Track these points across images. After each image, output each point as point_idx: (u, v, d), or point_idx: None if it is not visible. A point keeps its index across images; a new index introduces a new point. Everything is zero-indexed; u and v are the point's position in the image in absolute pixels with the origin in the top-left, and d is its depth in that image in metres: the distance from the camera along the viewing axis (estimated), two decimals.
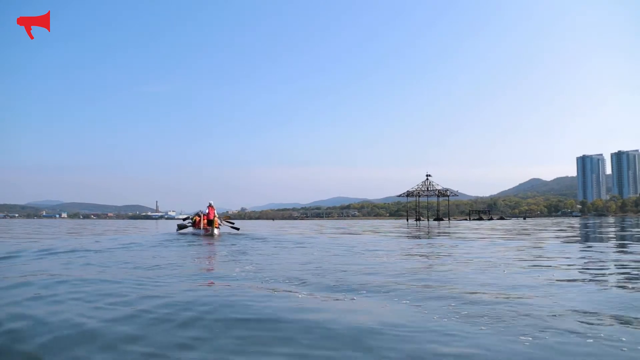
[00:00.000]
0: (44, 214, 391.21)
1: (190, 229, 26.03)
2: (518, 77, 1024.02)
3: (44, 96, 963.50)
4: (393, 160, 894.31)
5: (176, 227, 27.39)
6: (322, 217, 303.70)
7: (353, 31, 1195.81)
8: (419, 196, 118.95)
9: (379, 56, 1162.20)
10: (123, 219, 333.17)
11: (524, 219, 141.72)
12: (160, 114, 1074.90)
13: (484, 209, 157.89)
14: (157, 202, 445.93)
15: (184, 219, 27.65)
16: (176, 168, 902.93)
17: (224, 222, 26.95)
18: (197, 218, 25.15)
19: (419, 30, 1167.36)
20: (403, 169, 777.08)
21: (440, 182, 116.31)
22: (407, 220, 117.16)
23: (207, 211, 25.12)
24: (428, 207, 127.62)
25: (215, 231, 23.99)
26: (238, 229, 27.51)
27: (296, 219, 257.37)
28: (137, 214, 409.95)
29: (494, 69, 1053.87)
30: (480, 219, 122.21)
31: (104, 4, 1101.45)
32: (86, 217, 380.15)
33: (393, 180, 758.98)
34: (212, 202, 25.51)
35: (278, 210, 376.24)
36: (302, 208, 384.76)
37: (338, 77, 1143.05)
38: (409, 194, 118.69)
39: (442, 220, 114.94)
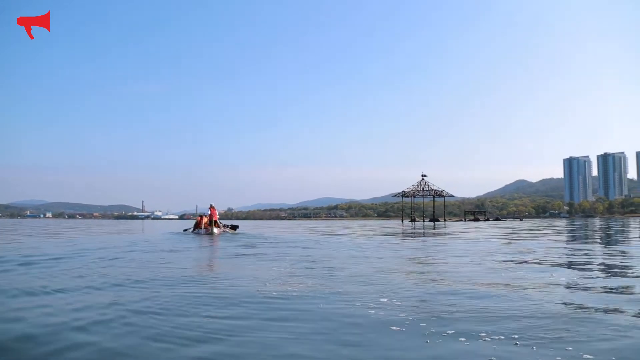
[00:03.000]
0: (28, 213, 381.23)
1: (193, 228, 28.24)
2: (504, 79, 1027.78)
3: (30, 96, 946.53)
4: (379, 161, 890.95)
5: (184, 229, 30.11)
6: (310, 217, 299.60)
7: (342, 31, 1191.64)
8: (414, 196, 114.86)
9: (367, 57, 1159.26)
10: (109, 219, 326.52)
11: (521, 220, 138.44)
12: (147, 114, 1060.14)
13: (479, 210, 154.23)
14: (143, 202, 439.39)
15: (185, 230, 29.36)
16: (163, 168, 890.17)
17: (225, 228, 28.65)
18: (199, 218, 27.55)
19: (407, 31, 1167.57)
20: (389, 170, 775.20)
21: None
22: (402, 221, 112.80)
23: (208, 212, 27.10)
24: (416, 208, 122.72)
25: (215, 230, 26.00)
26: (237, 227, 30.05)
27: (284, 220, 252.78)
28: (123, 214, 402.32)
29: (478, 72, 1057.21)
30: (477, 219, 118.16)
31: (87, 4, 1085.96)
32: (71, 217, 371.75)
33: (379, 181, 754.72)
34: (213, 204, 27.12)
35: (265, 210, 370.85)
36: (289, 208, 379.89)
37: (326, 77, 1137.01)
38: (404, 194, 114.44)
39: (438, 221, 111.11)
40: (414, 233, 31.68)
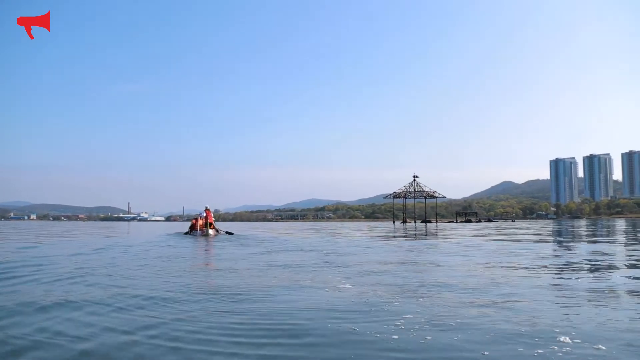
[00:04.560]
0: (12, 215, 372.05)
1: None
2: (489, 80, 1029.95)
3: (14, 96, 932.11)
4: (365, 163, 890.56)
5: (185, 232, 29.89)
6: (297, 218, 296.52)
7: (327, 32, 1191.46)
8: (406, 198, 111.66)
9: (352, 57, 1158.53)
10: (94, 220, 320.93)
11: (513, 221, 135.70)
12: (133, 114, 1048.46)
13: (469, 211, 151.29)
14: (129, 203, 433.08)
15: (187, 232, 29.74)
16: (149, 169, 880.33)
17: (219, 229, 29.30)
18: (195, 221, 28.18)
19: (390, 32, 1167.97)
20: (375, 172, 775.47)
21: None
22: (394, 222, 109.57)
23: (204, 214, 27.49)
24: (410, 209, 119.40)
25: (211, 232, 26.56)
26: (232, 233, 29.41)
27: (271, 221, 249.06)
28: (109, 216, 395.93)
29: (463, 72, 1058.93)
30: (469, 221, 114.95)
31: (79, 4, 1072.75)
32: (56, 218, 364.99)
33: (365, 182, 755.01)
34: (208, 206, 27.85)
35: (252, 212, 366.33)
36: (276, 210, 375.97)
37: (311, 78, 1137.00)
38: (396, 196, 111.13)
39: (430, 222, 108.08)
40: (426, 235, 28.09)
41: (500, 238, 23.25)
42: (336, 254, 13.24)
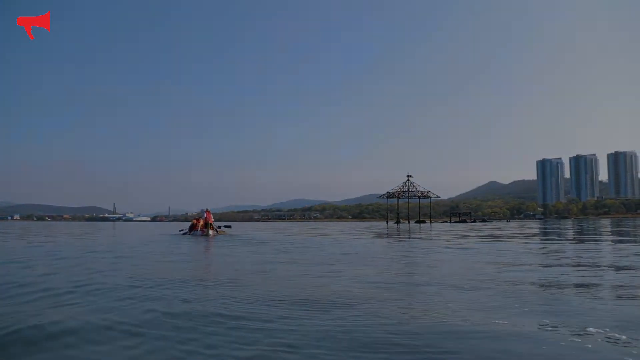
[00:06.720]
0: None
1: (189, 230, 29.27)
2: (476, 79, 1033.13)
3: None
4: (351, 163, 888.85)
5: (180, 229, 32.10)
6: (284, 219, 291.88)
7: (311, 32, 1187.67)
8: (400, 198, 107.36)
9: (336, 55, 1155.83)
10: (79, 220, 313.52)
11: (508, 221, 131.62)
12: (120, 113, 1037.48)
13: (464, 212, 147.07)
14: (114, 203, 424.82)
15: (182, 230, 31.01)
16: (134, 169, 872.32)
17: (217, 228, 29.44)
18: (195, 221, 29.03)
19: (376, 29, 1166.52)
20: (361, 172, 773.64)
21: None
22: (387, 222, 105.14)
23: (205, 215, 28.45)
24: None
25: (210, 232, 27.21)
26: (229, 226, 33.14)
27: (258, 221, 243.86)
28: (94, 216, 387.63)
29: (450, 73, 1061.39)
30: (464, 221, 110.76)
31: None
32: (40, 219, 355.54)
33: (350, 183, 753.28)
34: (209, 208, 28.95)
35: (238, 212, 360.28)
36: (262, 210, 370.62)
37: (298, 76, 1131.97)
38: (389, 195, 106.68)
39: (424, 222, 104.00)
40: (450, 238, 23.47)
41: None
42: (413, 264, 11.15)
